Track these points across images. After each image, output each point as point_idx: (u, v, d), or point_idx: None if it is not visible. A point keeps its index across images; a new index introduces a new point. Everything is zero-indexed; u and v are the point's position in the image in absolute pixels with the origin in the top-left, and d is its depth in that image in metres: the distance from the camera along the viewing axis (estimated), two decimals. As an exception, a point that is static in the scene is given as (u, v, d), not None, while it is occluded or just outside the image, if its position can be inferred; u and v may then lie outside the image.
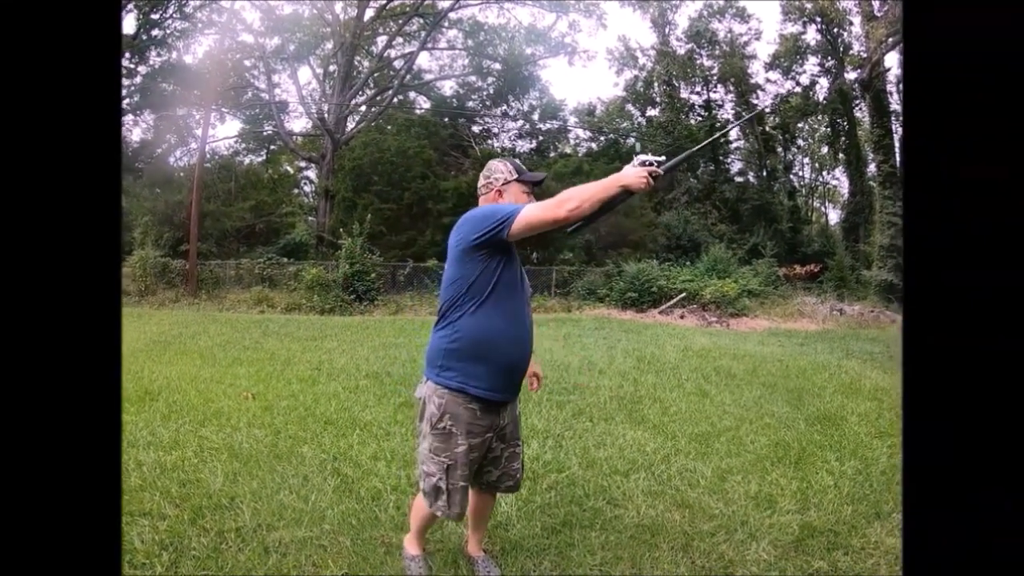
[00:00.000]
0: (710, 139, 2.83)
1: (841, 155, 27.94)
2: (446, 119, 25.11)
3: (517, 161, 2.27)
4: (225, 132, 37.66)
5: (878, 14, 18.83)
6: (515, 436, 2.29)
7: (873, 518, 3.01)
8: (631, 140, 26.89)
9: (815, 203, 34.13)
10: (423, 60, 26.49)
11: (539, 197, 2.17)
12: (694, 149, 2.42)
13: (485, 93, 26.81)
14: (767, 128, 27.68)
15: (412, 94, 27.09)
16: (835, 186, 33.14)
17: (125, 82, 21.12)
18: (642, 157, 1.99)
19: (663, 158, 2.01)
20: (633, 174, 1.94)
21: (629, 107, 29.31)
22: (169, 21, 20.62)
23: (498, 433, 2.18)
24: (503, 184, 2.19)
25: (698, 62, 27.26)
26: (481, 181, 2.26)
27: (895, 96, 21.73)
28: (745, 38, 27.05)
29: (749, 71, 27.08)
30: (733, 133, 27.07)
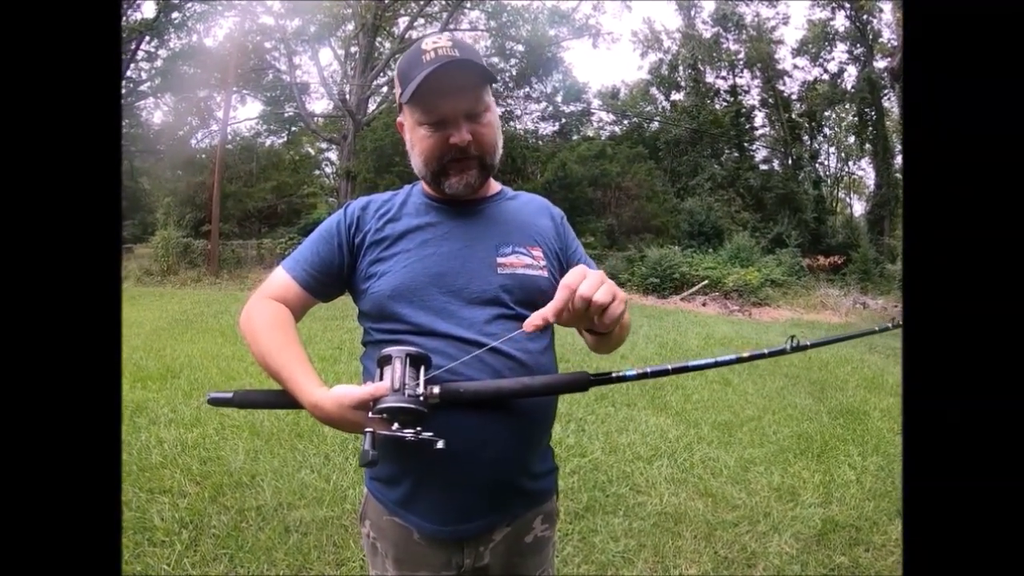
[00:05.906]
0: None
1: (868, 145, 27.40)
2: (468, 101, 24.92)
3: (426, 44, 1.00)
4: (246, 114, 37.86)
5: None
6: None
7: (895, 515, 2.95)
8: (655, 124, 26.50)
9: (840, 194, 33.54)
10: (445, 41, 26.30)
11: (438, 124, 1.02)
12: None
13: (508, 75, 26.60)
14: (793, 115, 27.19)
15: (434, 76, 26.94)
16: (861, 177, 32.57)
17: (146, 65, 21.30)
18: (397, 408, 0.87)
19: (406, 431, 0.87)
20: (348, 417, 0.92)
21: (653, 91, 29.02)
22: (189, 4, 20.62)
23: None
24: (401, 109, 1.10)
25: (724, 46, 26.85)
26: None
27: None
28: (772, 22, 26.60)
29: (776, 56, 26.61)
30: (758, 120, 26.61)
